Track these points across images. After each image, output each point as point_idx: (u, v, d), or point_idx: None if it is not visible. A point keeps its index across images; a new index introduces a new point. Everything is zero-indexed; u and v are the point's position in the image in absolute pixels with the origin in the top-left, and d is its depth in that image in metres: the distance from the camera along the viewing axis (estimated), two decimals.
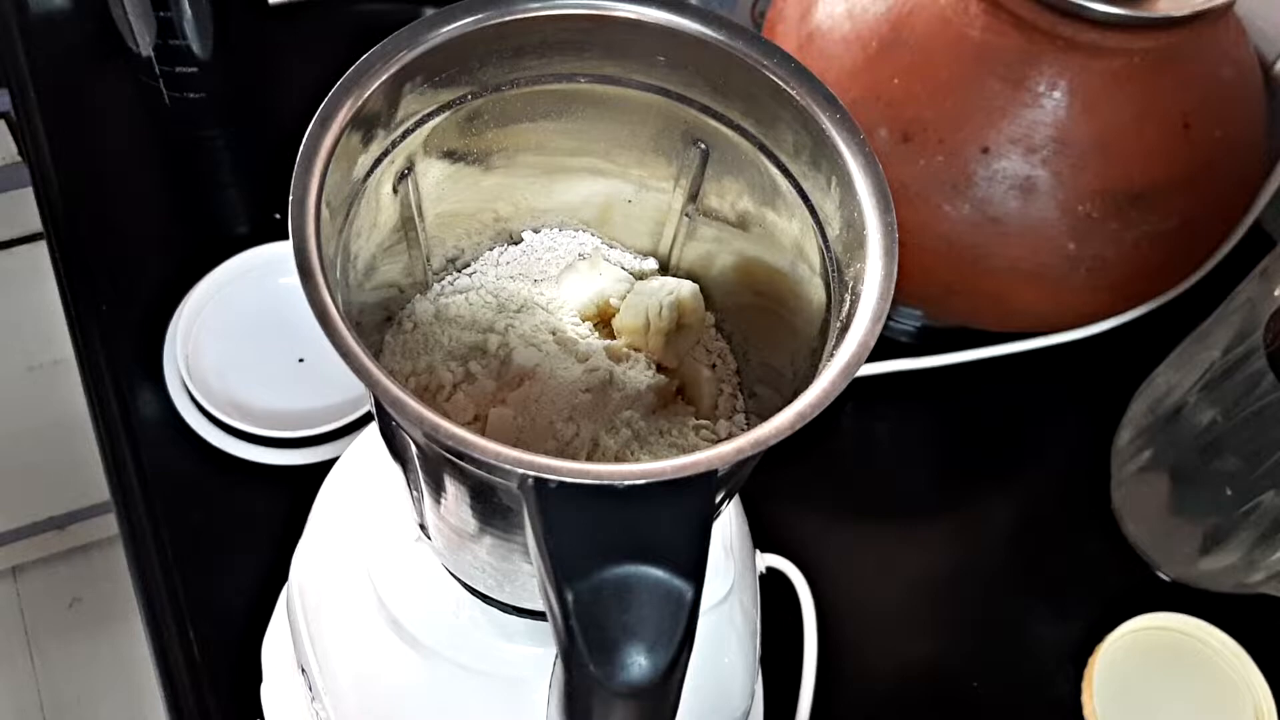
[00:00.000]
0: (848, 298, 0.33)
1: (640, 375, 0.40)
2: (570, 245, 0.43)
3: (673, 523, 0.29)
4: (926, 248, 0.60)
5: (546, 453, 0.29)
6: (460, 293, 0.42)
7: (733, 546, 0.48)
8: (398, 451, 0.36)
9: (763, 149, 0.37)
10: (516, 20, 0.35)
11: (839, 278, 0.34)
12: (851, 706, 0.60)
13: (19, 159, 1.24)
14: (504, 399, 0.38)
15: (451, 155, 0.39)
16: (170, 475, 0.64)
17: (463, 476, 0.32)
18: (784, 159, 0.36)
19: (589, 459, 0.37)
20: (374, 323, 0.40)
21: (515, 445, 0.28)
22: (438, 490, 0.35)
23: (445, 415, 0.29)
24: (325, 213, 0.31)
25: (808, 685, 0.58)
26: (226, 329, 0.67)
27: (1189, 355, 0.59)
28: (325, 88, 0.32)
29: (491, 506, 0.33)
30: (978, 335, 0.68)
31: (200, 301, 0.67)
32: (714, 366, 0.42)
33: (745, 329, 0.42)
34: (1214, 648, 0.60)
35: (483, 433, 0.36)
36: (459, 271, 0.43)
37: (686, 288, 0.41)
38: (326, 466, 0.53)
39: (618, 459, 0.37)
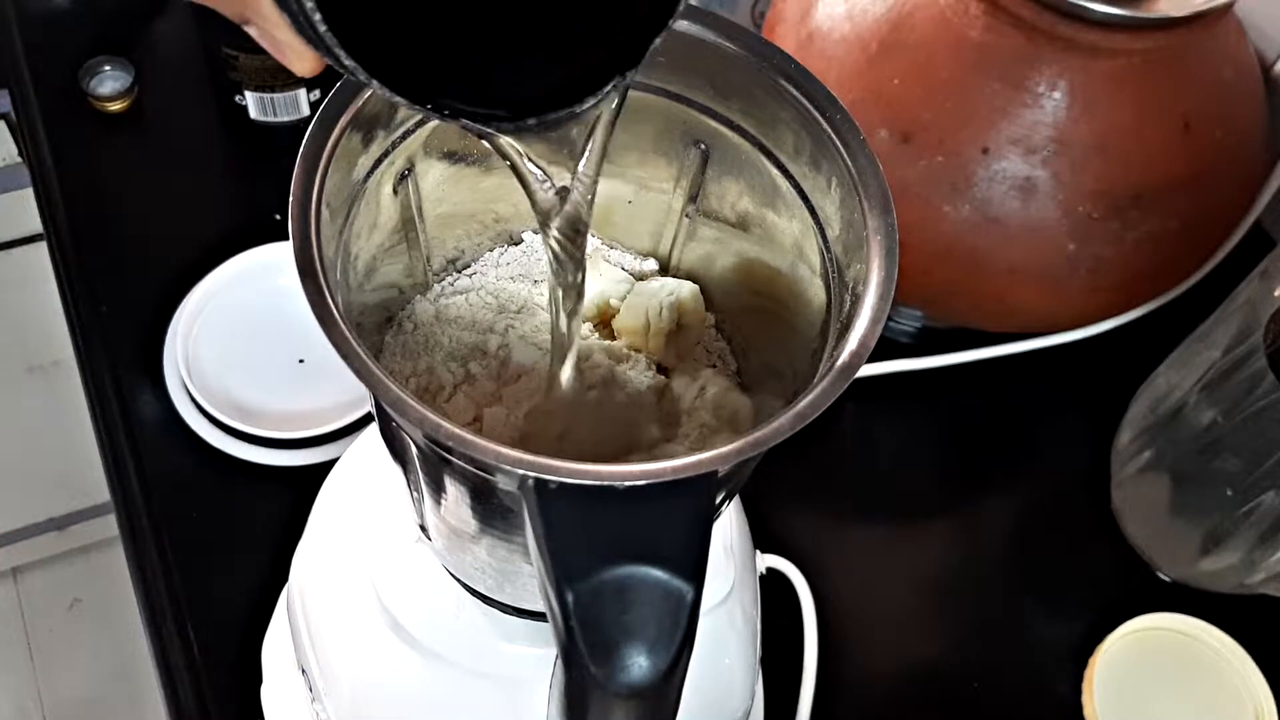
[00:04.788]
0: (848, 298, 0.33)
1: (640, 375, 0.40)
2: None
3: (673, 523, 0.29)
4: (926, 248, 0.60)
5: (546, 453, 0.29)
6: (460, 293, 0.42)
7: (733, 547, 0.48)
8: (398, 452, 0.36)
9: (763, 150, 0.37)
10: None
11: (839, 278, 0.34)
12: (852, 707, 0.60)
13: (19, 160, 1.24)
14: (502, 398, 0.38)
15: (451, 156, 0.39)
16: (170, 476, 0.64)
17: (463, 477, 0.32)
18: (784, 160, 0.36)
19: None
20: (374, 323, 0.40)
21: (514, 445, 0.28)
22: (438, 491, 0.35)
23: (445, 416, 0.29)
24: (325, 213, 0.31)
25: (808, 685, 0.58)
26: (226, 330, 0.67)
27: (1189, 356, 0.59)
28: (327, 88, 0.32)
29: (491, 507, 0.33)
30: (978, 336, 0.68)
31: (200, 302, 0.67)
32: (714, 366, 0.42)
33: (745, 329, 0.42)
34: (1214, 648, 0.60)
35: (482, 433, 0.36)
36: (459, 272, 0.43)
37: (686, 288, 0.41)
38: (327, 467, 0.53)
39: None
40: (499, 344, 0.39)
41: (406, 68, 0.26)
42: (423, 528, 0.40)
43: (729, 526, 0.48)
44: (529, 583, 0.39)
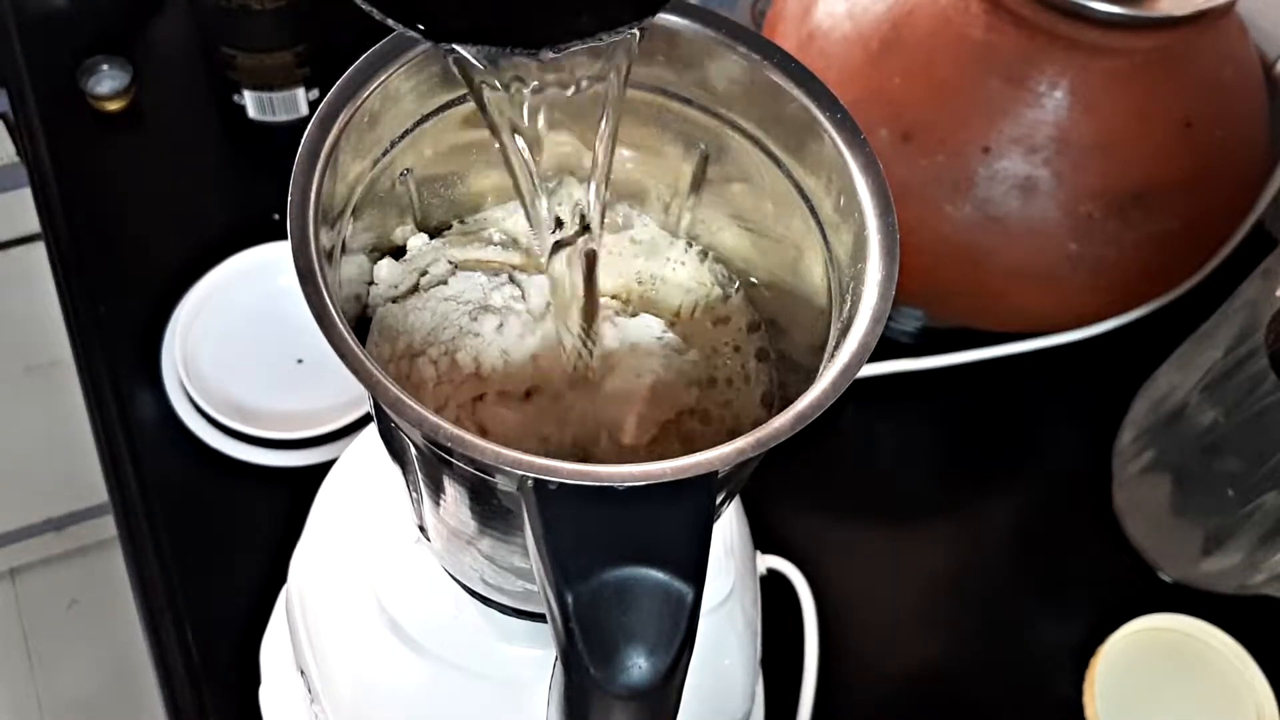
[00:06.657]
0: (848, 298, 0.33)
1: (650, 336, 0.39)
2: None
3: (673, 524, 0.29)
4: (927, 248, 0.60)
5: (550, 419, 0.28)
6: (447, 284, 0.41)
7: (733, 548, 0.48)
8: (397, 453, 0.36)
9: (763, 149, 0.36)
10: None
11: (840, 278, 0.34)
12: (852, 708, 0.60)
13: (17, 159, 1.23)
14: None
15: (450, 156, 0.38)
16: (168, 477, 0.64)
17: (462, 478, 0.32)
18: (784, 159, 0.36)
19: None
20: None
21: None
22: (437, 492, 0.35)
23: (435, 410, 0.28)
24: (324, 214, 0.31)
25: (809, 687, 0.58)
26: (225, 330, 0.67)
27: (1191, 356, 0.59)
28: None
29: (491, 508, 0.33)
30: (979, 336, 0.68)
31: (198, 302, 0.67)
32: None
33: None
34: (1216, 649, 0.60)
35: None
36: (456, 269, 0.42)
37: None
38: (325, 468, 0.53)
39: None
40: (494, 324, 0.39)
41: None
42: (422, 528, 0.40)
43: (729, 527, 0.48)
44: (528, 584, 0.38)
